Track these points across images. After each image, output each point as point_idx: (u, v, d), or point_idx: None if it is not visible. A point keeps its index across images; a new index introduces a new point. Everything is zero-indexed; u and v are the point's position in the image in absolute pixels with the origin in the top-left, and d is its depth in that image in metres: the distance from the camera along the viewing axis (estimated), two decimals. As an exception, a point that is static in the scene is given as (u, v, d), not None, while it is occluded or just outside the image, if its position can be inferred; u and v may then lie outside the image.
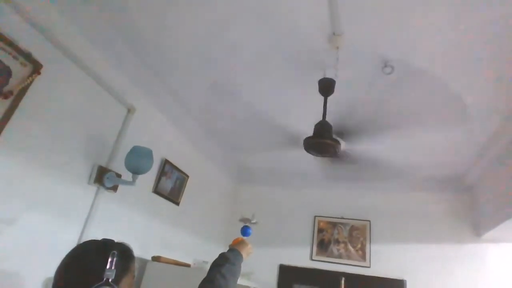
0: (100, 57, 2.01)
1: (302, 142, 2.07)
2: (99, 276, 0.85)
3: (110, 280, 0.85)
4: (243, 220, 1.84)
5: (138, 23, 1.93)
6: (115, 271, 0.87)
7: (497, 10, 1.51)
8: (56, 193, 1.75)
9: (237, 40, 1.95)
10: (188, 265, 2.47)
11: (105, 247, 0.92)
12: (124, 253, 0.96)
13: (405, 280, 3.25)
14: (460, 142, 2.70)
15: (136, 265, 1.01)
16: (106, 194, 2.06)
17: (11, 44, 1.48)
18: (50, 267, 0.98)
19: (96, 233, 1.78)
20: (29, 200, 1.61)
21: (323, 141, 1.98)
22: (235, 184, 4.21)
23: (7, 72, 1.48)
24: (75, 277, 0.88)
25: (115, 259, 0.87)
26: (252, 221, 1.83)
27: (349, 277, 3.38)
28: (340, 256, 3.56)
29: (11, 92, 1.48)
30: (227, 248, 1.41)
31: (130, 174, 2.01)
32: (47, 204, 1.70)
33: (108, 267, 0.86)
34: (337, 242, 3.64)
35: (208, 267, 1.25)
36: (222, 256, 1.26)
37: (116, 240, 1.00)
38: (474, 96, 2.12)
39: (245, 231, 1.78)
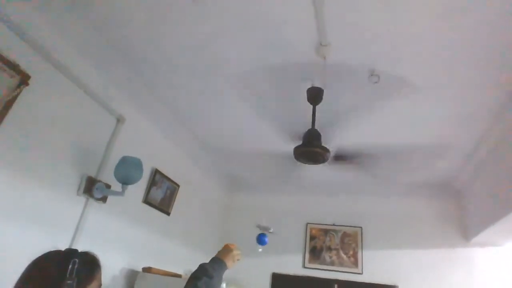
0: (89, 68, 2.01)
1: (292, 150, 2.10)
2: (60, 285, 0.83)
3: None
4: (259, 227, 1.78)
5: (128, 34, 1.94)
6: (76, 280, 0.85)
7: (480, 19, 1.57)
8: (44, 205, 1.73)
9: (227, 52, 1.98)
10: (179, 276, 2.45)
11: (66, 256, 0.91)
12: (87, 261, 0.95)
13: (397, 286, 3.27)
14: (446, 148, 2.75)
15: (110, 274, 1.00)
16: (95, 205, 2.04)
17: (-2, 55, 1.47)
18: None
19: (85, 245, 1.75)
20: (17, 212, 1.59)
21: (312, 149, 2.00)
22: (227, 193, 4.20)
23: (-6, 84, 1.47)
24: (35, 287, 0.87)
25: (76, 267, 0.86)
26: (270, 231, 1.78)
27: (342, 284, 3.39)
28: (332, 263, 3.57)
29: (-2, 104, 1.47)
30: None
31: (119, 185, 2.00)
32: (35, 216, 1.68)
33: (68, 275, 0.85)
34: (329, 249, 3.65)
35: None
36: (200, 268, 1.22)
37: (82, 250, 0.98)
38: (459, 103, 2.18)
39: (261, 239, 1.73)
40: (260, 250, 1.82)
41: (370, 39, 1.76)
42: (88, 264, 0.95)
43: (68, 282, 0.84)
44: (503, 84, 1.96)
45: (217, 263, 1.29)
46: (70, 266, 0.86)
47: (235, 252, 1.37)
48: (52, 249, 0.96)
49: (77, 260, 0.88)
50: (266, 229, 1.79)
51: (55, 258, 0.93)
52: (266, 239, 1.73)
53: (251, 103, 2.48)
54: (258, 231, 1.77)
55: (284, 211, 3.97)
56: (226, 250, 1.37)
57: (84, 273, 0.90)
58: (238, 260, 1.39)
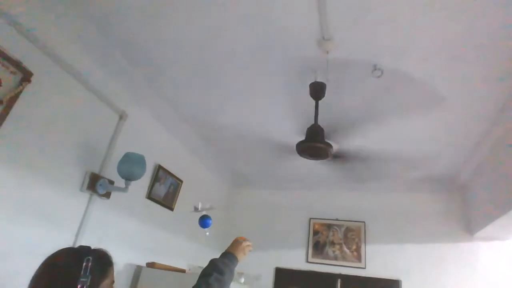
0: (91, 64, 2.01)
1: (294, 146, 2.09)
2: (74, 283, 0.83)
3: (85, 287, 0.83)
4: (197, 209, 1.68)
5: (131, 30, 1.93)
6: (90, 277, 0.85)
7: (484, 15, 1.55)
8: (48, 201, 1.74)
9: (229, 47, 1.96)
10: (183, 271, 2.46)
11: (79, 253, 0.91)
12: (100, 259, 0.94)
13: (401, 280, 3.27)
14: (450, 142, 2.73)
15: (115, 270, 0.99)
16: (99, 201, 2.05)
17: (0, 53, 1.47)
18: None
19: (90, 241, 1.76)
20: (21, 208, 1.60)
21: (315, 144, 1.99)
22: (230, 188, 4.21)
23: (-3, 81, 1.47)
24: (49, 286, 0.87)
25: (90, 265, 0.86)
26: (208, 208, 1.68)
27: (345, 278, 3.40)
28: (335, 258, 3.57)
29: (1, 101, 1.48)
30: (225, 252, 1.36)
31: (123, 181, 2.01)
32: (39, 212, 1.69)
33: (82, 273, 0.84)
34: (333, 243, 3.65)
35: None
36: (211, 264, 1.22)
37: (93, 247, 0.98)
38: (463, 98, 2.16)
39: (204, 222, 1.64)
40: (207, 233, 1.73)
41: (373, 33, 1.74)
42: (102, 262, 0.94)
43: (82, 280, 0.84)
44: (507, 80, 1.93)
45: (228, 257, 1.28)
46: (84, 264, 0.86)
47: (244, 244, 1.37)
48: (65, 246, 0.96)
49: (91, 257, 0.87)
50: (204, 209, 1.69)
51: (69, 256, 0.93)
52: (210, 221, 1.65)
53: (254, 98, 2.47)
54: (199, 215, 1.66)
55: (288, 206, 3.98)
56: (236, 243, 1.36)
57: (98, 270, 0.90)
58: (249, 251, 1.38)
